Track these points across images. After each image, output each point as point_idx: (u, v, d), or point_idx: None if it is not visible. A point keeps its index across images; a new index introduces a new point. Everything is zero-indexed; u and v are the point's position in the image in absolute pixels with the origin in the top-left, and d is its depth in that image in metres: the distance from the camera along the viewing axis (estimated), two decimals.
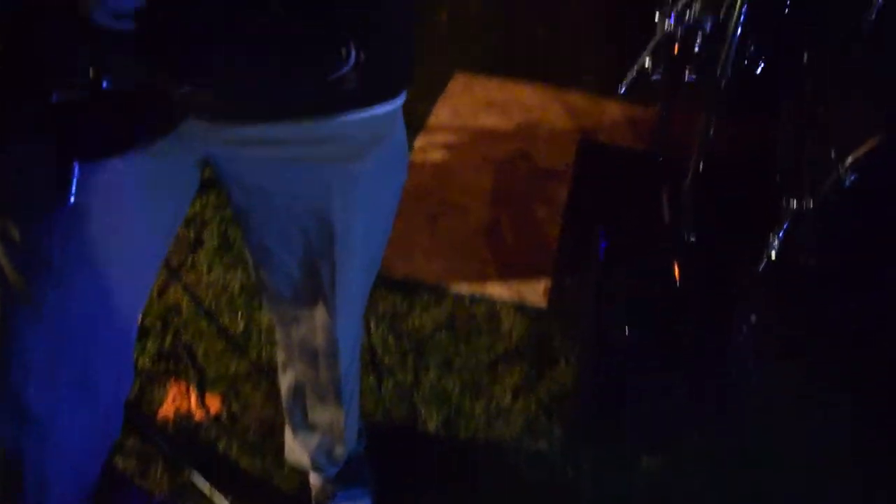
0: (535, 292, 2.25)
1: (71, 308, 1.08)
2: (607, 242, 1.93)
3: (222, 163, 1.12)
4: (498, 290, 2.25)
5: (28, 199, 0.98)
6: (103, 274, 1.09)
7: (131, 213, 1.08)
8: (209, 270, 2.26)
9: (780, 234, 2.00)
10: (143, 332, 2.04)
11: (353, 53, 0.89)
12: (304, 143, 1.06)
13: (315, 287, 1.27)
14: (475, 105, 3.13)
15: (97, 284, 1.09)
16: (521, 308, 2.20)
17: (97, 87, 0.83)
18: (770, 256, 2.01)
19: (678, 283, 1.99)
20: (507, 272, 2.31)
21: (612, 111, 3.15)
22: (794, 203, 2.00)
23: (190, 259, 2.29)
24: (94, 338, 1.14)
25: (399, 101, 1.12)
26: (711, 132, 2.14)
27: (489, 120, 3.03)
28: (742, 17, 1.96)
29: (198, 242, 2.34)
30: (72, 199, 0.87)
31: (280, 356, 1.56)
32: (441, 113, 3.05)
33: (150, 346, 2.04)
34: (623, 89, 2.03)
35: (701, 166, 2.19)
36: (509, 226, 2.50)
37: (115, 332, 1.18)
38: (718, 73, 1.99)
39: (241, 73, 0.90)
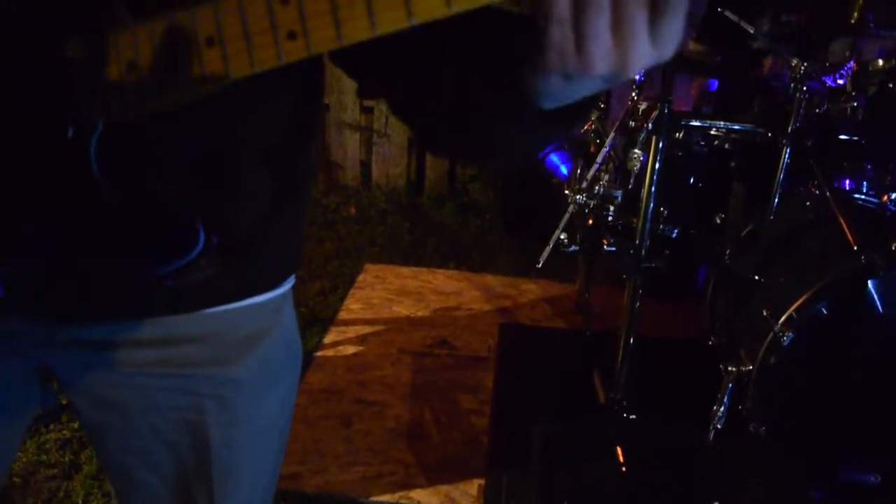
0: (467, 495, 1.99)
1: None
2: (545, 432, 1.74)
3: (63, 372, 0.89)
4: (425, 497, 1.98)
5: None
6: None
7: None
8: (85, 501, 1.91)
9: (725, 403, 1.85)
10: None
11: (202, 236, 0.72)
12: (161, 345, 0.85)
13: None
14: (388, 294, 2.99)
15: None
16: None
17: None
18: (717, 427, 1.85)
19: (625, 468, 1.79)
20: (434, 475, 2.06)
21: (530, 290, 3.08)
22: (734, 370, 1.88)
23: (63, 488, 1.95)
24: None
25: (282, 290, 0.93)
26: (637, 305, 2.04)
27: (404, 309, 2.88)
28: (653, 188, 1.93)
29: (73, 468, 2.01)
30: None
31: None
32: (352, 306, 2.89)
33: None
34: (540, 264, 1.92)
35: (631, 341, 2.08)
36: (433, 422, 2.27)
37: None
38: (637, 240, 1.94)
39: (65, 261, 0.72)
